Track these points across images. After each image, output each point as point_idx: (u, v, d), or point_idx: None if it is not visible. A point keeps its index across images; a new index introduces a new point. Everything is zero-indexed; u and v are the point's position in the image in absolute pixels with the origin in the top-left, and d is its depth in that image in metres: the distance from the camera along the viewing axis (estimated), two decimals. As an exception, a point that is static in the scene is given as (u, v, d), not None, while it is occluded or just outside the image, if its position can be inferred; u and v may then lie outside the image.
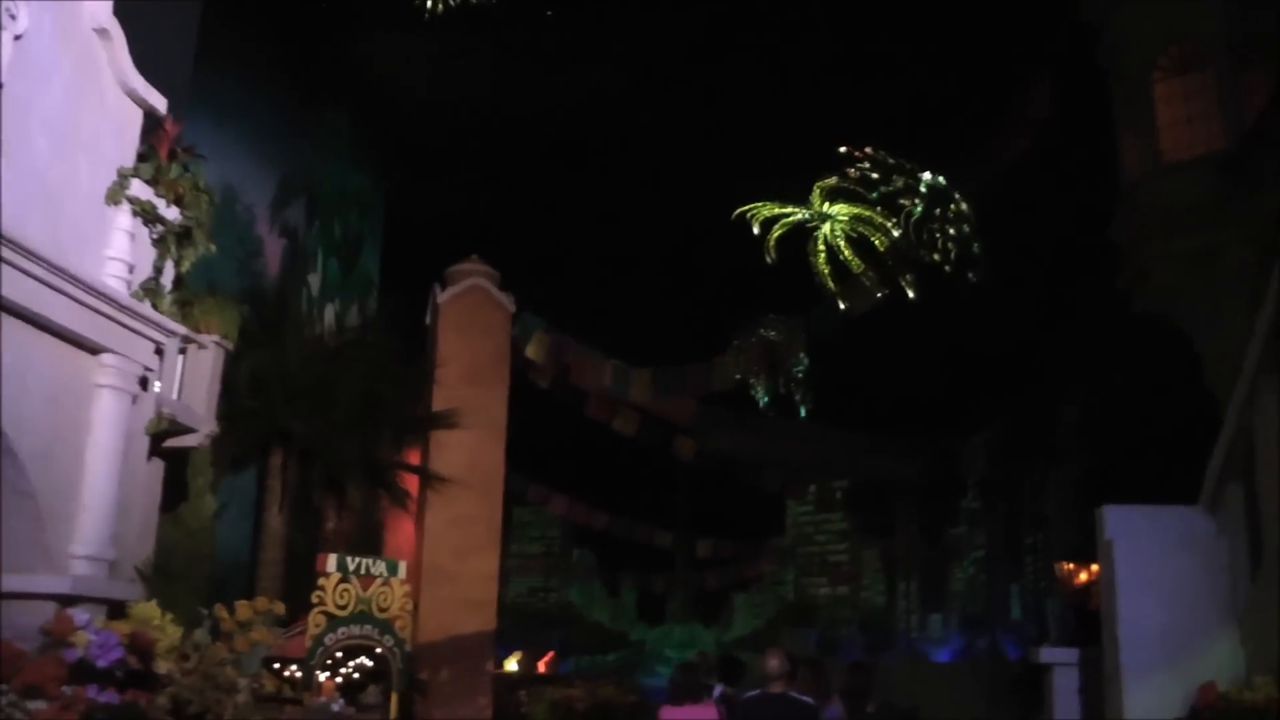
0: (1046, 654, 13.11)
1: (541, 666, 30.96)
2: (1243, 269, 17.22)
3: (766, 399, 32.90)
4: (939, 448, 33.05)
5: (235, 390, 18.40)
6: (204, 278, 16.00)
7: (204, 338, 13.99)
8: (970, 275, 32.96)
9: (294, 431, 18.55)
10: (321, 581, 14.63)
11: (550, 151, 37.94)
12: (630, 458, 41.07)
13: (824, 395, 32.46)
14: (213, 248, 12.07)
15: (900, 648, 42.02)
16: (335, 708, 9.96)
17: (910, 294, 30.73)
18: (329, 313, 24.08)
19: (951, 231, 33.65)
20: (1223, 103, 18.29)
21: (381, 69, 30.48)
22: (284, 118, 25.42)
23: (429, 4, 28.42)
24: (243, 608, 10.82)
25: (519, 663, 29.80)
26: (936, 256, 33.21)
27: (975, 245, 32.57)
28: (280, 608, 10.96)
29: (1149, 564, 11.25)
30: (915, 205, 34.77)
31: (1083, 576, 14.75)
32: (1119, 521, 11.71)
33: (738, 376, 27.11)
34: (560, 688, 23.07)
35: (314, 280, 26.51)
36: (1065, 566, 14.94)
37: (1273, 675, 10.10)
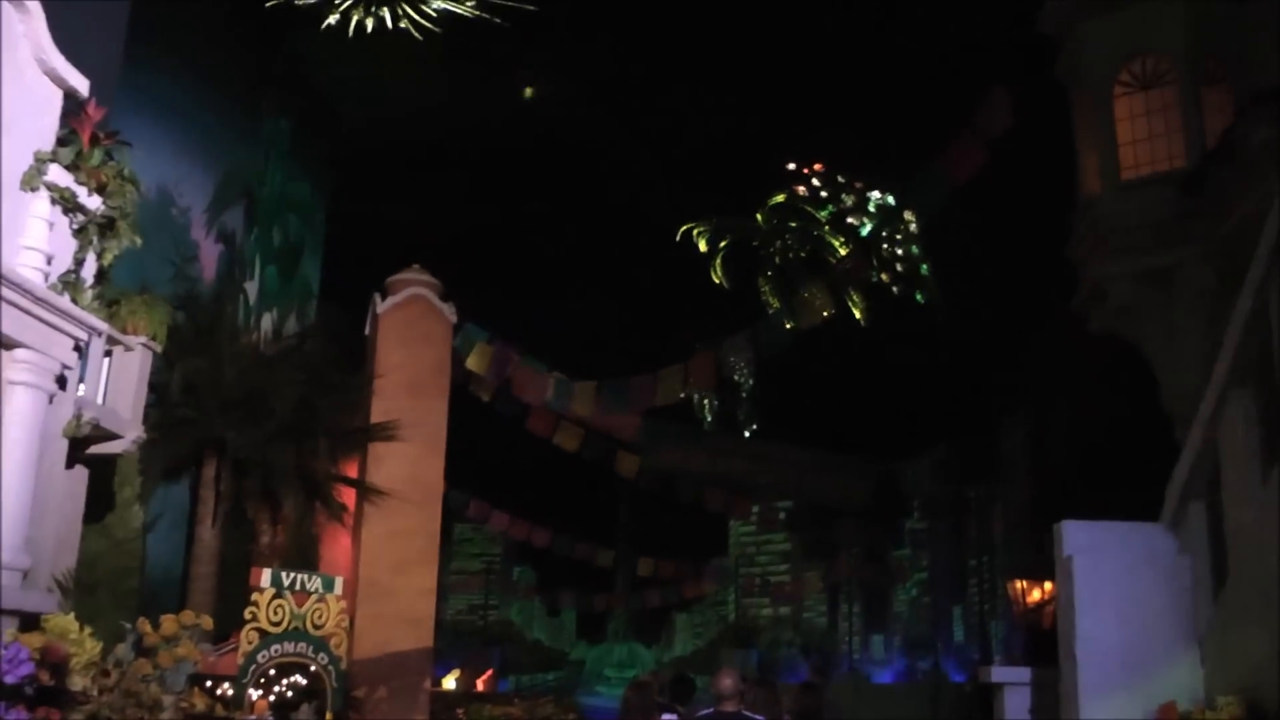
0: (998, 674, 12.77)
1: (480, 684, 30.34)
2: (1202, 289, 16.91)
3: (711, 418, 32.45)
4: (885, 468, 32.71)
5: (167, 398, 17.87)
6: (136, 279, 15.43)
7: (131, 339, 13.34)
8: (918, 296, 32.72)
9: (228, 441, 17.92)
10: (255, 597, 14.05)
11: (496, 163, 37.54)
12: (573, 475, 40.65)
13: (770, 414, 32.11)
14: (138, 240, 11.37)
15: (842, 669, 41.63)
16: (262, 729, 9.27)
17: (858, 315, 30.42)
18: (266, 321, 23.45)
19: (899, 252, 33.43)
20: (1184, 119, 17.93)
21: (326, 76, 29.96)
22: (224, 120, 24.83)
23: (370, 15, 27.96)
24: (168, 622, 10.04)
25: (457, 680, 29.13)
26: (884, 276, 32.96)
27: (924, 266, 32.34)
28: (208, 622, 10.22)
29: (1109, 581, 10.91)
30: (863, 224, 34.56)
31: (1035, 595, 14.38)
32: (1078, 537, 11.34)
33: (682, 394, 26.49)
34: (499, 706, 22.49)
35: (251, 288, 25.90)
36: (1017, 585, 14.55)
37: (1236, 696, 9.78)
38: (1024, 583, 14.60)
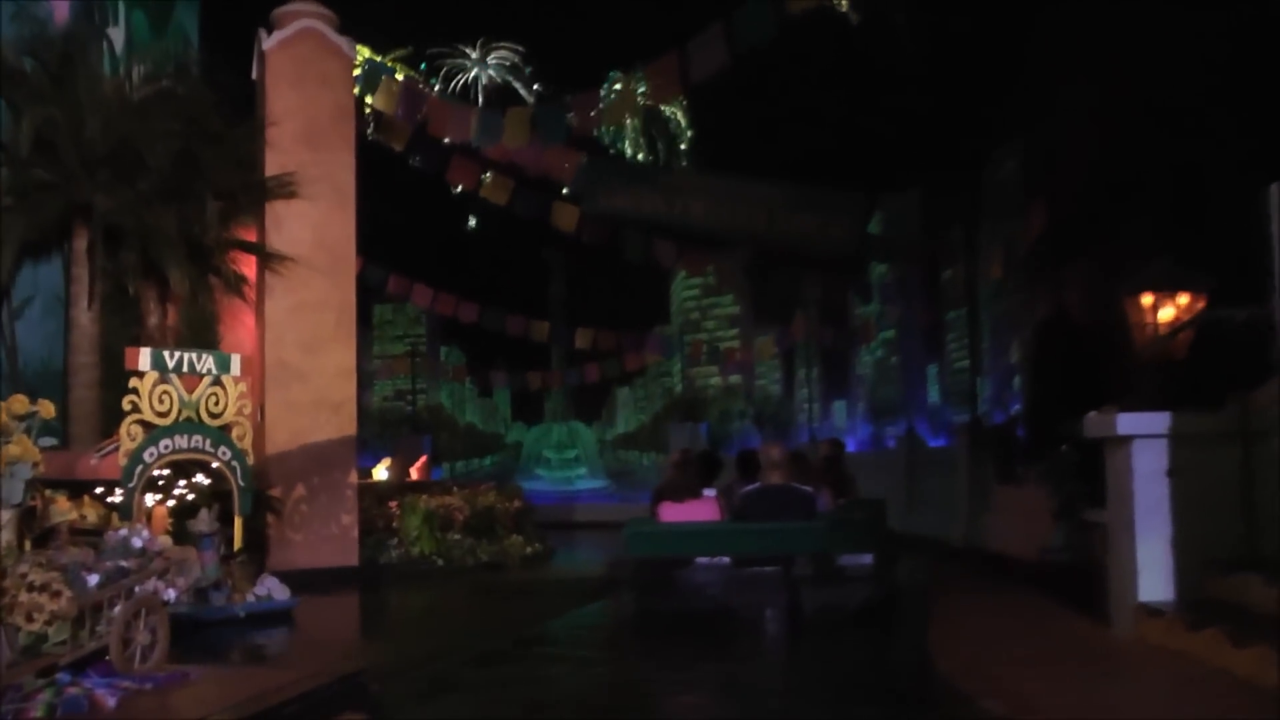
0: (1124, 423, 9.85)
1: (414, 473, 29.13)
2: None
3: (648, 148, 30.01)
4: (867, 205, 30.58)
5: (17, 157, 16.12)
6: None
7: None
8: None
9: (97, 206, 16.34)
10: (134, 383, 12.57)
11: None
12: (500, 239, 39.02)
13: (734, 147, 30.05)
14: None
15: (801, 439, 40.84)
16: (138, 542, 7.61)
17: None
18: (136, 75, 21.19)
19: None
20: None
21: None
22: None
23: None
24: (-8, 410, 7.81)
25: (389, 470, 27.89)
26: (843, 4, 30.60)
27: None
28: (49, 409, 8.15)
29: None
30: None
31: (1168, 312, 11.73)
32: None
33: (638, 110, 23.94)
34: (437, 496, 21.25)
35: (117, 36, 23.52)
36: (1142, 301, 11.89)
37: None
38: (1153, 296, 11.76)
